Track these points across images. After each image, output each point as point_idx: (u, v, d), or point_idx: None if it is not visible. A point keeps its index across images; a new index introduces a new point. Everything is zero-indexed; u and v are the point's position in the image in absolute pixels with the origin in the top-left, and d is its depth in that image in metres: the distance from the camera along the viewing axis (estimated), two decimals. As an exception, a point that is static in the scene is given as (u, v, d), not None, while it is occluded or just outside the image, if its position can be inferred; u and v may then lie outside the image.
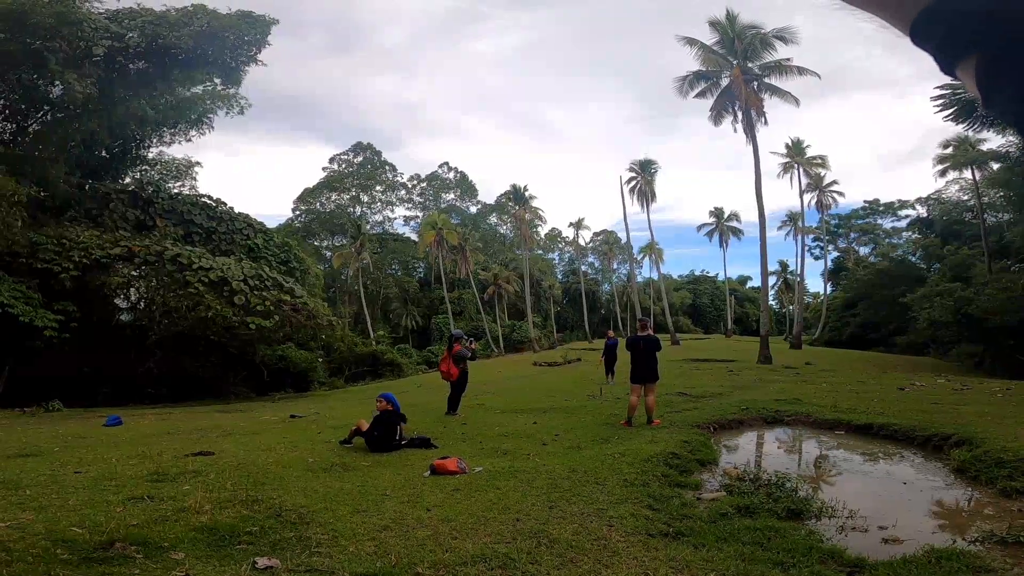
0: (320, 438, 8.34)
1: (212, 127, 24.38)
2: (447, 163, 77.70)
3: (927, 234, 45.69)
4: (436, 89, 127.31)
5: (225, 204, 23.63)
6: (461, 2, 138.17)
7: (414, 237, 67.11)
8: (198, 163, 30.33)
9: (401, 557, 3.64)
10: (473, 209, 77.86)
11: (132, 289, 20.23)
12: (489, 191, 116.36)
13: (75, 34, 17.20)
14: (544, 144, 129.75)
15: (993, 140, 29.19)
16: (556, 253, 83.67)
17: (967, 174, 37.45)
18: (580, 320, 68.92)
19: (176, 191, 25.51)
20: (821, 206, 53.94)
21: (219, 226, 22.58)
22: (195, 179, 30.30)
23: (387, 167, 71.48)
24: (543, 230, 72.66)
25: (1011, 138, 25.34)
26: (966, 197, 40.40)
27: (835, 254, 64.38)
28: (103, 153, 23.40)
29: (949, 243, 39.12)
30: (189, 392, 19.88)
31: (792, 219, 58.29)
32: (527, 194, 59.87)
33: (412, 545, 3.87)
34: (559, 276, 77.54)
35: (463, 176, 76.96)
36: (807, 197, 51.12)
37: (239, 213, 23.74)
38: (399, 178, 72.70)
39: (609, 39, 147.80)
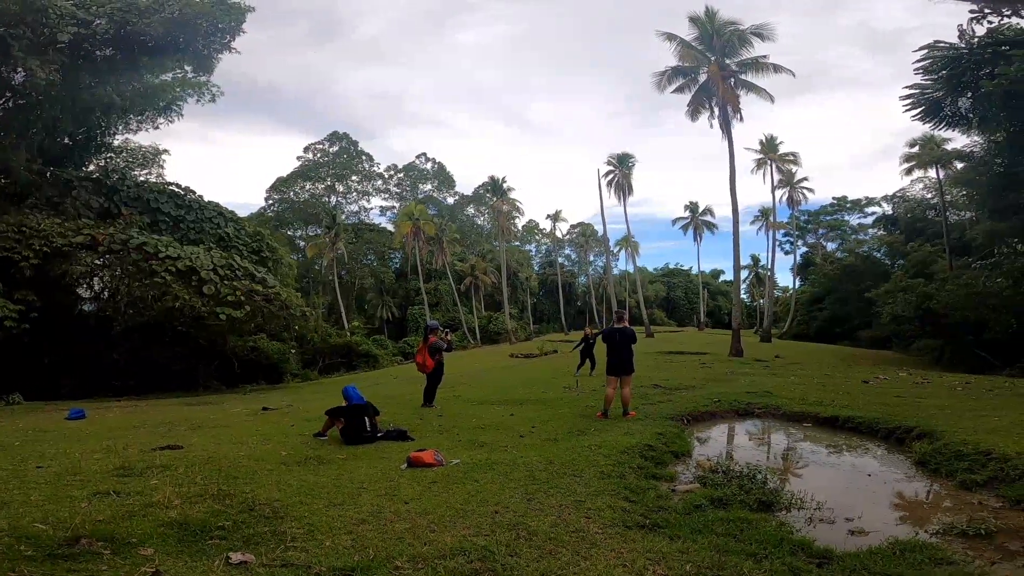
0: (293, 431, 8.20)
1: (181, 115, 23.82)
2: (424, 154, 77.04)
3: (892, 231, 47.07)
4: (418, 80, 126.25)
5: (194, 192, 22.99)
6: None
7: (390, 227, 66.49)
8: (166, 151, 29.93)
9: (379, 551, 3.62)
10: (451, 200, 77.46)
11: (96, 278, 19.57)
12: (467, 183, 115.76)
13: (39, 21, 16.65)
14: (524, 137, 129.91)
15: (958, 140, 30.11)
16: (533, 245, 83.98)
17: (931, 173, 38.69)
18: (556, 312, 69.32)
19: (142, 179, 24.78)
20: (792, 202, 55.11)
21: (187, 215, 21.94)
22: (162, 167, 29.74)
23: (363, 157, 70.54)
24: (520, 222, 72.79)
25: (976, 138, 26.12)
26: (930, 195, 41.77)
27: (804, 249, 65.92)
28: (66, 140, 22.57)
29: (912, 240, 40.36)
30: (157, 384, 19.36)
31: (764, 214, 59.42)
32: (505, 186, 59.88)
33: (390, 538, 3.84)
34: (536, 268, 77.82)
35: (441, 167, 76.43)
36: (779, 193, 52.20)
37: (209, 202, 23.14)
38: (376, 168, 71.86)
39: (593, 34, 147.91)
